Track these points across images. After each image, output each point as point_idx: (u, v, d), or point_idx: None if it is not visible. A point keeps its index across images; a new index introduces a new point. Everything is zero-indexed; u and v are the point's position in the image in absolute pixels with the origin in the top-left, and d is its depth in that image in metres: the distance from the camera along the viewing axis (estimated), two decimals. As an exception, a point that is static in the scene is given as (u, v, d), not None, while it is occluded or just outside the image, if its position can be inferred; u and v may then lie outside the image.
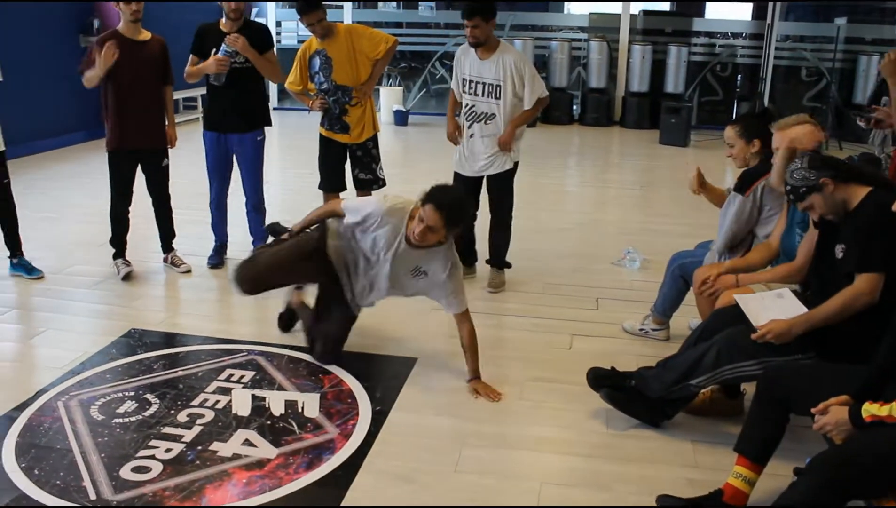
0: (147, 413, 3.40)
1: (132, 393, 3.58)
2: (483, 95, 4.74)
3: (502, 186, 4.91)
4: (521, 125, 4.80)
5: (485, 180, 4.93)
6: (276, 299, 4.46)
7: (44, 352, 4.14)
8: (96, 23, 9.66)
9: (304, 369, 3.85)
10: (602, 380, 3.38)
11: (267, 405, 3.48)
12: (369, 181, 5.24)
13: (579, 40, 12.89)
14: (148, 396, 3.56)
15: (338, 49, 4.96)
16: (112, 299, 4.78)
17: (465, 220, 3.57)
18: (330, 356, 3.91)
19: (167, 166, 5.15)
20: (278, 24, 14.08)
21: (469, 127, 4.83)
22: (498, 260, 5.07)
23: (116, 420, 3.34)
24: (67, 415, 3.39)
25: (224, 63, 4.85)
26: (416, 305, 4.61)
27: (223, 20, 5.00)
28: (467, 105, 4.84)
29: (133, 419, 3.36)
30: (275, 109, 13.84)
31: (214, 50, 4.88)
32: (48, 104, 8.75)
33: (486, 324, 4.41)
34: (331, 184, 5.33)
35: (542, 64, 12.51)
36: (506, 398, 3.58)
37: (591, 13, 13.99)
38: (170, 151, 5.17)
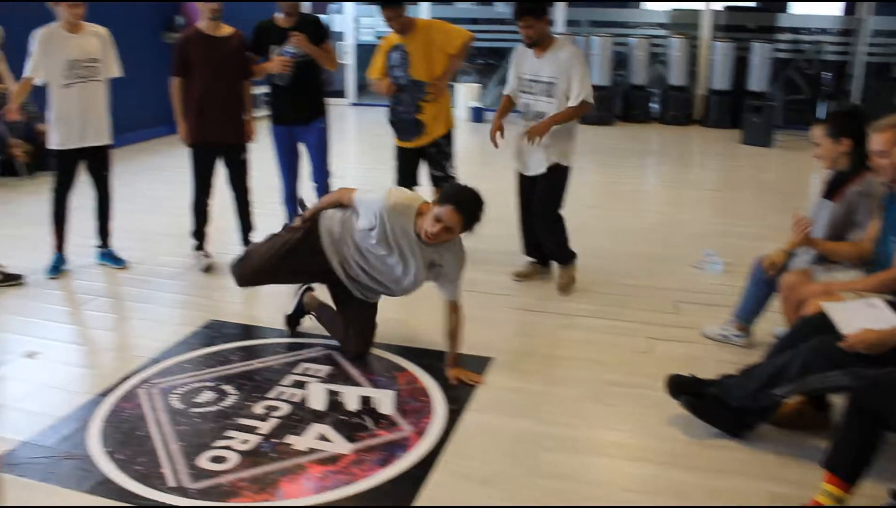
0: (225, 404, 3.46)
1: (211, 384, 3.65)
2: (539, 95, 4.68)
3: (549, 186, 4.76)
4: (560, 122, 4.60)
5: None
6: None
7: (128, 340, 4.26)
8: (181, 20, 9.92)
9: (380, 365, 3.86)
10: (682, 387, 3.28)
11: (342, 401, 3.49)
12: (440, 179, 5.23)
13: (659, 37, 12.63)
14: (225, 387, 3.61)
15: (415, 44, 4.97)
16: (193, 291, 4.89)
17: (481, 218, 3.53)
18: (365, 348, 3.94)
19: (246, 161, 5.23)
20: (356, 19, 14.21)
21: (526, 126, 4.76)
22: (558, 256, 4.95)
23: (195, 410, 3.40)
24: (149, 402, 3.47)
25: (289, 64, 4.99)
26: (492, 303, 4.59)
27: (279, 16, 5.10)
28: (525, 105, 4.79)
29: (211, 409, 3.41)
30: (353, 104, 13.99)
31: (275, 48, 5.00)
32: (133, 98, 9.04)
33: (558, 324, 4.36)
34: (405, 181, 5.34)
35: (620, 61, 12.31)
36: (582, 402, 3.52)
37: (672, 9, 13.70)
38: (250, 145, 5.25)
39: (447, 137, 5.18)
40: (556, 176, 4.73)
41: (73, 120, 4.92)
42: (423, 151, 5.20)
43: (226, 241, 5.58)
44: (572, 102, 4.58)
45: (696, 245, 5.74)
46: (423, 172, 5.27)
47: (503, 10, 13.82)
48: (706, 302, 4.67)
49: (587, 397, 3.57)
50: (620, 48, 12.36)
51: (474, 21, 13.99)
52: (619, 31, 12.88)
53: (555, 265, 5.07)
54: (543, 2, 4.61)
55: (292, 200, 5.44)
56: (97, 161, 5.13)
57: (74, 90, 4.88)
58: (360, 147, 10.45)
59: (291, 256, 3.83)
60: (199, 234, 5.34)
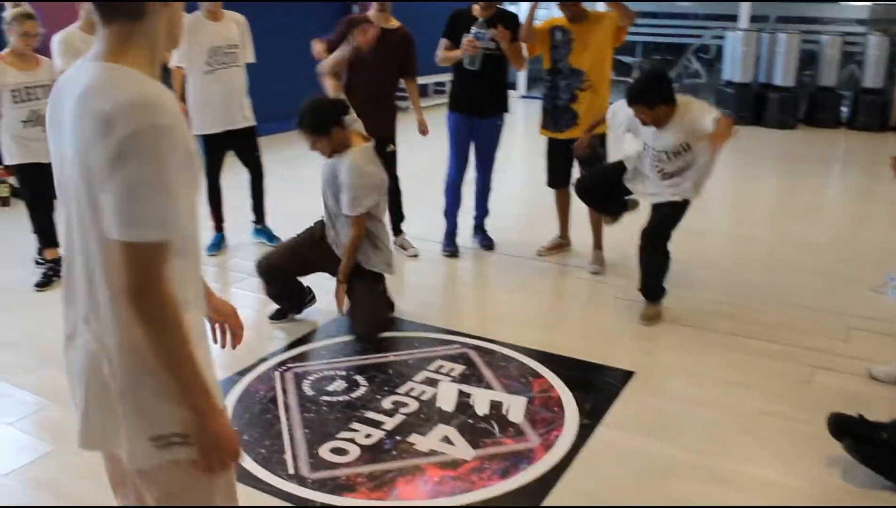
0: (354, 395, 3.44)
1: (343, 373, 3.65)
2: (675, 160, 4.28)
3: (670, 212, 4.27)
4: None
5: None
6: (502, 295, 4.39)
7: (276, 324, 4.35)
8: (356, 9, 10.15)
9: (516, 369, 3.72)
10: (846, 427, 2.93)
11: (471, 403, 3.39)
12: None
13: (855, 34, 11.63)
14: (357, 377, 3.60)
15: (583, 32, 4.78)
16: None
17: (313, 120, 3.95)
18: (374, 331, 4.08)
19: (394, 152, 5.22)
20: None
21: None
22: (649, 287, 4.35)
23: (325, 398, 3.41)
24: (282, 385, 3.51)
25: (476, 46, 4.86)
26: (632, 313, 4.34)
27: (476, 6, 5.01)
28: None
29: (340, 398, 3.41)
30: (523, 97, 13.87)
31: (466, 34, 4.90)
32: (301, 86, 9.33)
33: (710, 342, 4.03)
34: (557, 180, 5.19)
35: (807, 60, 11.44)
36: (727, 430, 3.23)
37: (873, 4, 12.59)
38: (420, 136, 5.28)
39: (601, 138, 4.84)
40: (680, 207, 4.29)
41: (216, 105, 5.10)
42: (571, 148, 4.96)
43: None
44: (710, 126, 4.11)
45: (879, 266, 5.18)
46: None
47: (685, 4, 13.24)
48: (883, 331, 4.19)
49: (733, 424, 3.27)
50: (810, 46, 11.49)
51: (654, 15, 13.48)
52: (809, 27, 11.99)
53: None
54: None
55: (455, 189, 5.36)
56: (244, 143, 5.32)
57: (217, 76, 5.06)
58: (526, 141, 10.30)
59: (300, 247, 4.21)
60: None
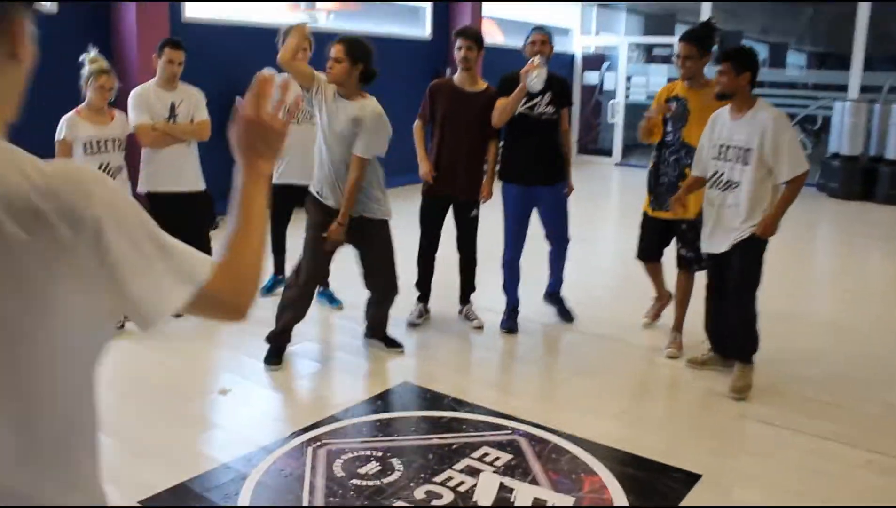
0: (386, 480, 3.15)
1: (380, 453, 3.37)
2: (734, 162, 3.99)
3: (747, 259, 3.96)
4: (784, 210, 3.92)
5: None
6: (566, 376, 4.07)
7: (315, 391, 4.15)
8: (448, 71, 10.14)
9: (568, 463, 3.36)
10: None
11: (513, 499, 3.05)
12: (689, 260, 4.58)
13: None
14: (394, 460, 3.32)
15: (701, 103, 4.36)
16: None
17: (360, 46, 4.10)
18: (394, 287, 4.45)
19: (476, 217, 5.01)
20: (628, 78, 13.82)
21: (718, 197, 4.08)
22: (742, 347, 4.07)
23: (354, 481, 3.13)
24: (312, 463, 3.27)
25: (536, 63, 4.52)
26: (708, 406, 3.92)
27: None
28: (717, 173, 4.08)
29: (371, 483, 3.13)
30: (618, 164, 13.58)
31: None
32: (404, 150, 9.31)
33: (802, 446, 3.55)
34: (648, 253, 4.85)
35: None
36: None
37: None
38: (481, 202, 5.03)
39: (695, 224, 4.42)
40: (755, 247, 3.95)
41: (294, 157, 5.01)
42: (673, 226, 4.60)
43: (446, 297, 5.32)
44: (785, 177, 3.86)
45: None
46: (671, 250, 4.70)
47: (794, 73, 12.72)
48: None
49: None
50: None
51: (760, 84, 12.95)
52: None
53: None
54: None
55: (512, 267, 5.02)
56: None
57: (300, 129, 4.98)
58: (620, 210, 9.95)
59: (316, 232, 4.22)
60: (422, 285, 5.19)
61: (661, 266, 4.89)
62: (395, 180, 9.66)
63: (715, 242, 4.10)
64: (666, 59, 13.38)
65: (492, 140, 4.92)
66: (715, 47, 4.52)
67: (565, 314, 5.22)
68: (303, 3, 10.63)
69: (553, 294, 5.28)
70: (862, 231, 8.55)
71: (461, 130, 4.82)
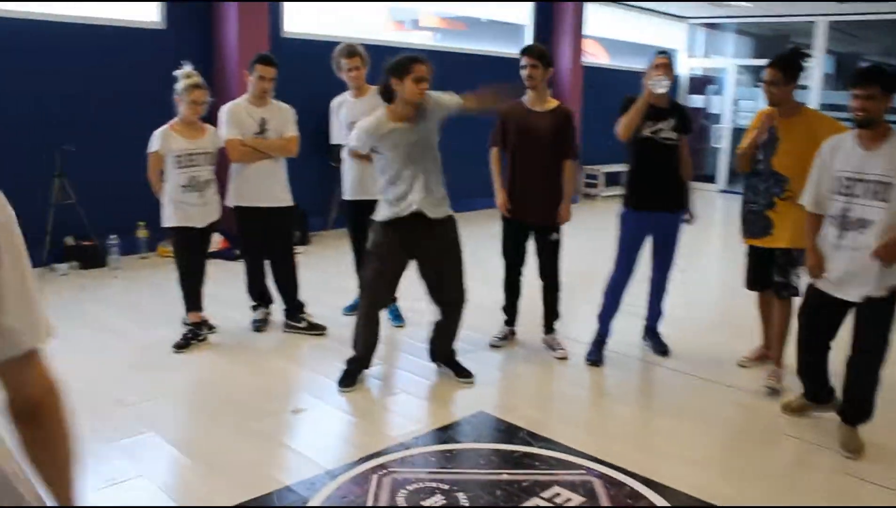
0: (450, 517, 3.02)
1: (446, 486, 3.23)
2: (865, 197, 3.52)
3: (878, 317, 3.56)
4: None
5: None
6: (652, 416, 3.84)
7: (388, 416, 4.04)
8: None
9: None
10: None
11: (582, 546, 2.86)
12: (781, 286, 4.34)
13: None
14: (460, 494, 3.17)
15: (791, 129, 4.16)
16: (478, 373, 4.51)
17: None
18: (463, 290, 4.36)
19: (557, 241, 4.84)
20: (735, 101, 13.34)
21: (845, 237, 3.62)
22: (857, 410, 3.70)
23: (416, 516, 3.01)
24: (375, 492, 3.16)
25: (658, 68, 4.41)
26: (806, 460, 3.61)
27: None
28: (842, 209, 3.61)
29: (434, 518, 3.00)
30: (722, 191, 13.13)
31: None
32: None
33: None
34: (753, 282, 4.59)
35: None
36: None
37: None
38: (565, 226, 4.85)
39: (800, 249, 4.16)
40: (886, 311, 3.53)
41: (365, 175, 4.95)
42: (771, 254, 4.38)
43: (532, 323, 5.14)
44: None
45: None
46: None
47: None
48: None
49: None
50: None
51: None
52: None
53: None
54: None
55: (618, 292, 4.76)
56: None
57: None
58: (724, 240, 9.55)
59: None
60: (509, 309, 5.08)
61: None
62: (478, 203, 9.64)
63: (841, 285, 3.63)
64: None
65: (568, 160, 4.73)
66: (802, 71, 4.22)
67: (660, 347, 4.99)
68: (406, 23, 10.71)
69: (652, 329, 5.06)
70: None
71: (533, 151, 4.68)
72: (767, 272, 4.43)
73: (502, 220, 4.89)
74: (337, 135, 5.25)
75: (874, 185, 3.46)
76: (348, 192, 5.17)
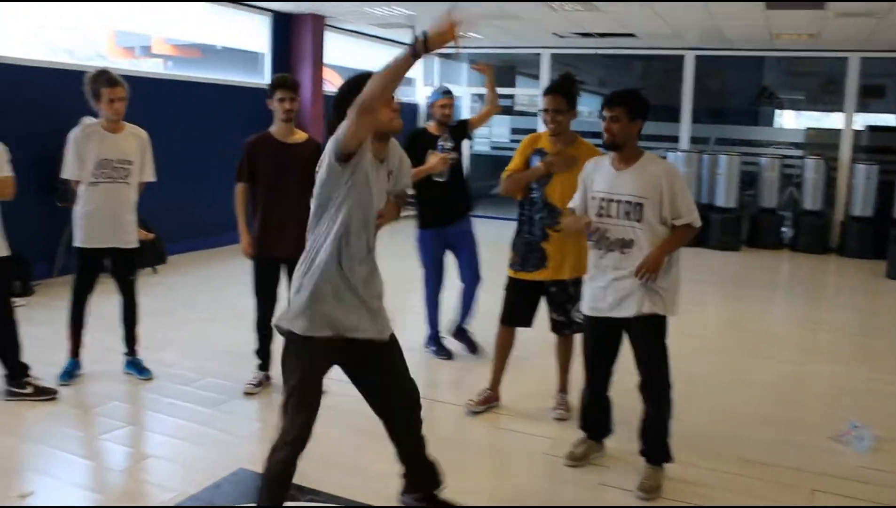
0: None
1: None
2: (618, 218, 3.61)
3: (652, 340, 3.62)
4: (671, 250, 3.58)
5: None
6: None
7: (134, 484, 3.65)
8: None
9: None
10: None
11: None
12: (562, 324, 4.38)
13: (793, 157, 11.66)
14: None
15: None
16: (230, 424, 4.24)
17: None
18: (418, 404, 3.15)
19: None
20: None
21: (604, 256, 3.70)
22: (654, 446, 3.67)
23: None
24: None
25: (450, 159, 4.95)
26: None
27: (432, 124, 5.33)
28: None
29: None
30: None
31: (431, 151, 4.92)
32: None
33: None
34: (513, 318, 4.45)
35: (748, 182, 11.39)
36: None
37: (807, 128, 12.74)
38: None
39: (576, 283, 4.19)
40: (658, 325, 3.61)
41: (101, 219, 4.66)
42: (542, 288, 4.35)
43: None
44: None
45: (834, 407, 4.73)
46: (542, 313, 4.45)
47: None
48: (852, 494, 3.66)
49: None
50: (750, 168, 11.46)
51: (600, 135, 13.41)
52: (748, 149, 12.02)
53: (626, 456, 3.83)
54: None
55: (435, 305, 5.53)
56: (123, 264, 4.88)
57: (101, 189, 4.64)
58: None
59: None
60: (263, 353, 4.82)
61: (514, 341, 4.49)
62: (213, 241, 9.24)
63: (605, 302, 3.63)
64: (507, 111, 13.62)
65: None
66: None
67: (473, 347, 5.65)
68: (136, 49, 10.06)
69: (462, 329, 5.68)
70: (698, 278, 8.81)
71: (284, 185, 4.52)
72: (532, 310, 4.39)
73: (254, 260, 4.67)
74: (71, 170, 4.65)
75: (625, 205, 3.54)
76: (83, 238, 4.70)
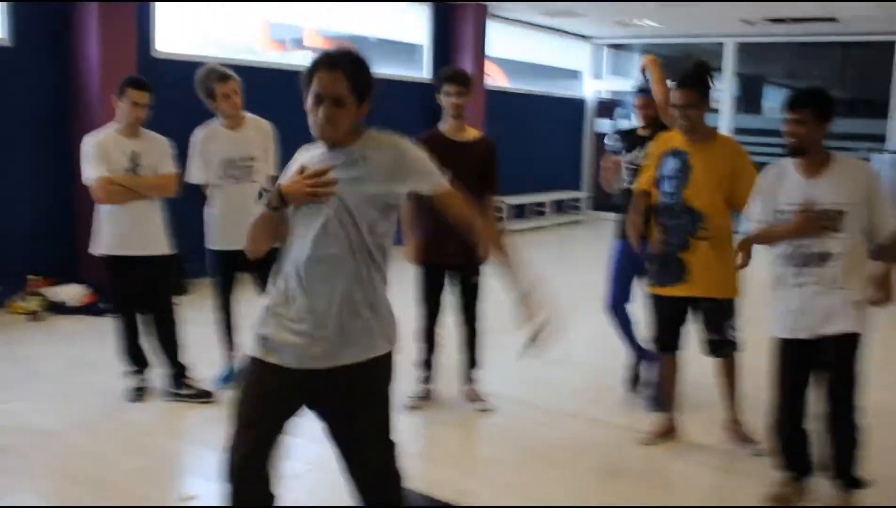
0: None
1: None
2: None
3: (846, 362, 3.24)
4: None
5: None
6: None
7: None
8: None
9: None
10: None
11: None
12: (717, 345, 3.88)
13: None
14: None
15: (705, 158, 3.72)
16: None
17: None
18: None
19: (477, 284, 4.42)
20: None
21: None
22: (845, 472, 3.29)
23: None
24: None
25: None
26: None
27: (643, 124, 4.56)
28: (796, 244, 3.29)
29: None
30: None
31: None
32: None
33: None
34: (666, 343, 4.00)
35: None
36: None
37: None
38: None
39: (730, 300, 3.84)
40: (855, 347, 3.22)
41: (231, 222, 4.38)
42: (690, 303, 3.87)
43: (447, 377, 4.63)
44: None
45: None
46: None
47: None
48: None
49: None
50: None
51: (777, 133, 12.27)
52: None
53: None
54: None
55: (620, 308, 4.61)
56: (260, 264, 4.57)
57: (227, 191, 4.45)
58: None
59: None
60: (427, 364, 4.54)
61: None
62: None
63: (803, 323, 3.27)
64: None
65: (489, 195, 4.29)
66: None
67: None
68: (288, 42, 10.04)
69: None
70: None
71: (461, 189, 4.16)
72: (680, 327, 3.93)
73: (419, 267, 4.42)
74: (197, 174, 4.50)
75: (823, 215, 3.20)
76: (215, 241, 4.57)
